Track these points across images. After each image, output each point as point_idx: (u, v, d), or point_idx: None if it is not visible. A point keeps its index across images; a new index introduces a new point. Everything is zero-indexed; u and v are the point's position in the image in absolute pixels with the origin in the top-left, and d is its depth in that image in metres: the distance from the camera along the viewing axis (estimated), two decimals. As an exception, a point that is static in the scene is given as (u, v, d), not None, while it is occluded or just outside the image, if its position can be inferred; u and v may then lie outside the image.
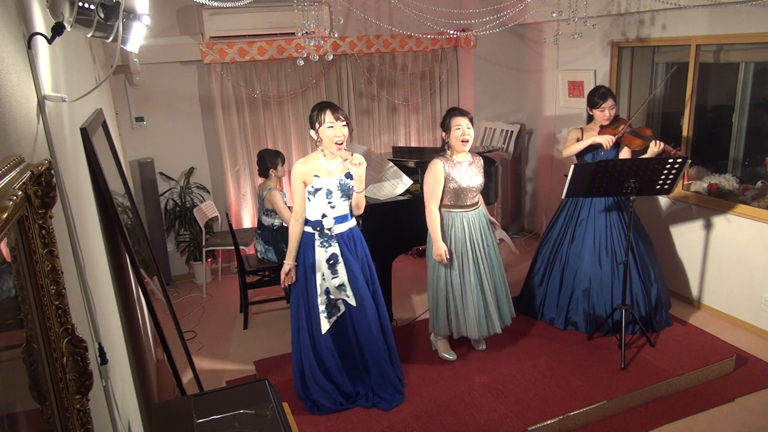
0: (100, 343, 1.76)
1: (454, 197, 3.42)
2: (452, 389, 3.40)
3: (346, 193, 3.10)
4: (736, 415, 3.22)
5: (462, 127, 3.34)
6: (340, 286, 3.15)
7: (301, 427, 3.09)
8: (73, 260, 1.64)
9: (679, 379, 3.43)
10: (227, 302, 4.98)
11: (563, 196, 3.66)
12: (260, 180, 5.44)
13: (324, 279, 3.14)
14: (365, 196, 3.91)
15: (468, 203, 3.45)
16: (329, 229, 3.10)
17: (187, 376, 3.55)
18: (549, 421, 3.09)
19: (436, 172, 3.38)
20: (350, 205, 3.18)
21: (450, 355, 3.72)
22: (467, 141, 3.35)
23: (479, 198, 3.56)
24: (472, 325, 3.51)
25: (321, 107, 3.02)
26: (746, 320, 4.09)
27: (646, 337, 3.78)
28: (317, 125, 3.00)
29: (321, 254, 3.12)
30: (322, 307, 3.16)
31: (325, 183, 3.05)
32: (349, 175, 3.10)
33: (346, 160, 3.07)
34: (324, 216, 3.09)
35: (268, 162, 4.39)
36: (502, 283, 3.59)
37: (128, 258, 2.66)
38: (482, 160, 3.56)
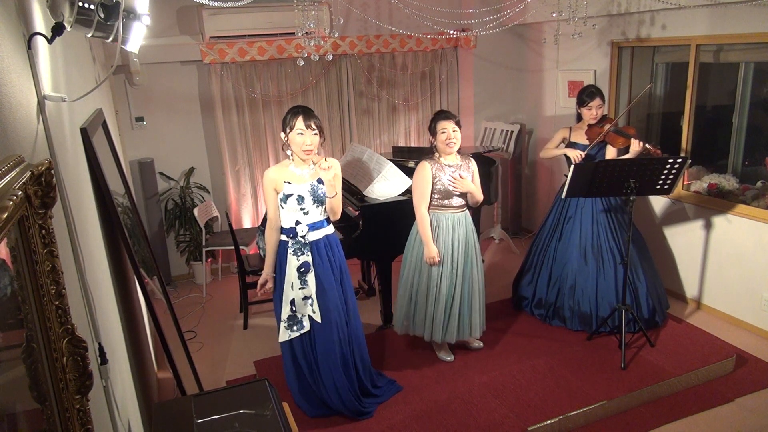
0: (100, 343, 1.76)
1: (441, 198, 3.43)
2: (452, 389, 3.40)
3: (319, 199, 3.01)
4: (736, 415, 3.22)
5: (447, 131, 3.36)
6: (306, 299, 3.05)
7: (301, 427, 3.08)
8: (73, 260, 1.64)
9: (679, 379, 3.43)
10: (227, 302, 4.98)
11: (563, 196, 3.68)
12: (260, 180, 5.47)
13: (292, 289, 3.05)
14: (366, 197, 3.93)
15: (454, 204, 3.46)
16: (303, 237, 3.01)
17: (187, 376, 3.55)
18: (549, 421, 3.10)
19: (424, 173, 3.40)
20: (325, 211, 3.09)
21: (448, 357, 3.73)
22: (452, 144, 3.37)
23: (468, 202, 3.54)
24: (437, 327, 3.51)
25: (294, 112, 2.93)
26: (746, 320, 4.09)
27: (646, 337, 3.78)
28: (288, 129, 2.93)
29: (293, 262, 3.02)
30: (284, 316, 3.07)
31: (295, 189, 2.97)
32: (321, 181, 3.01)
33: (316, 163, 3.01)
34: (297, 223, 3.01)
35: None
36: (478, 292, 3.55)
37: (128, 258, 2.66)
38: (474, 163, 3.55)
